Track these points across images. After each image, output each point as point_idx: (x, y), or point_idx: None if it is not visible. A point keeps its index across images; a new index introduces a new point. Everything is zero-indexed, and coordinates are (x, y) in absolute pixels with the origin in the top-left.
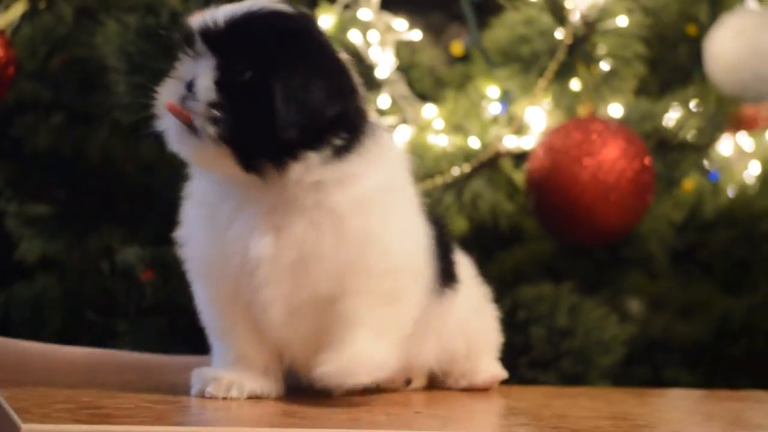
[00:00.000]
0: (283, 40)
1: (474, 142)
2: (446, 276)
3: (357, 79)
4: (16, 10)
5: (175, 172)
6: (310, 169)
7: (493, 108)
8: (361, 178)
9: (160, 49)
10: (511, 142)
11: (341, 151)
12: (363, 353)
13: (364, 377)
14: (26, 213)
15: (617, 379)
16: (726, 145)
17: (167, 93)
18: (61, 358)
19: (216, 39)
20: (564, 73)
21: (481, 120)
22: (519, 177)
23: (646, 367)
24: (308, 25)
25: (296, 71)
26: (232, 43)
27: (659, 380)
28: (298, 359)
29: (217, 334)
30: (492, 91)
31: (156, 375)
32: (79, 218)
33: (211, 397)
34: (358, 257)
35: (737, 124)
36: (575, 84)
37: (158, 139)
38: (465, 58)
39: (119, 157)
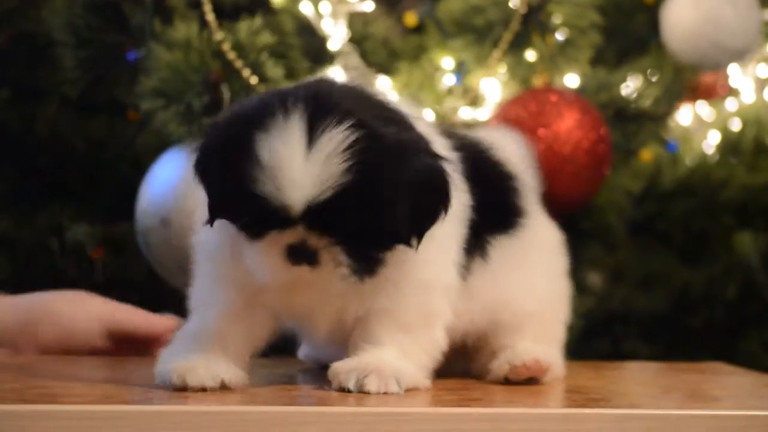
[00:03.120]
0: (370, 172)
1: (429, 114)
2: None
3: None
4: None
5: (124, 148)
6: None
7: (448, 79)
8: None
9: (109, 22)
10: (466, 114)
11: None
12: (377, 363)
13: (372, 386)
14: None
15: (575, 353)
16: (685, 115)
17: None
18: None
19: (322, 219)
20: (519, 43)
21: (436, 92)
22: None
23: (605, 339)
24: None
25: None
26: (339, 216)
27: (618, 353)
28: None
29: (203, 310)
30: (446, 62)
31: None
32: (27, 195)
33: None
34: (393, 277)
35: (696, 93)
36: (530, 54)
37: (107, 114)
38: (419, 29)
39: (68, 133)
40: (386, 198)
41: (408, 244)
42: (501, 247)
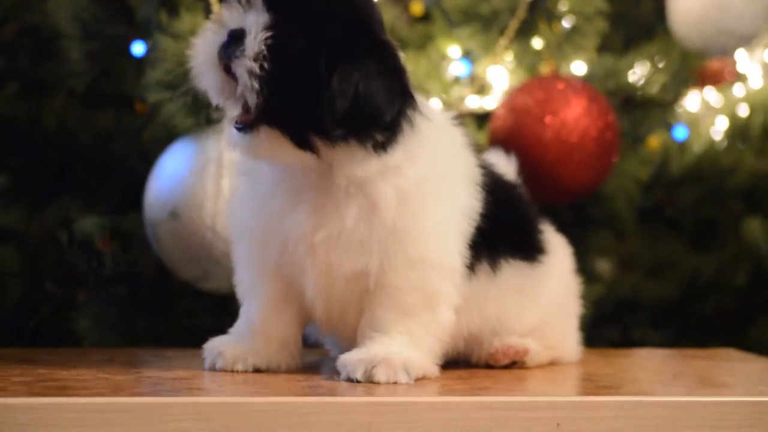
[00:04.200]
0: (347, 23)
1: (436, 103)
2: (532, 247)
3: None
4: None
5: (132, 140)
6: (353, 159)
7: (455, 68)
8: (400, 171)
9: (115, 14)
10: (473, 102)
11: (382, 146)
12: (385, 354)
13: (382, 376)
14: None
15: (586, 340)
16: (693, 101)
17: (207, 42)
18: None
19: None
20: (525, 31)
21: (443, 80)
22: (482, 137)
23: (615, 327)
24: (374, 15)
25: (359, 65)
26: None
27: (628, 340)
28: (335, 333)
29: (247, 295)
30: (453, 50)
31: None
32: (35, 188)
33: (220, 371)
34: (388, 248)
35: (703, 78)
36: (537, 42)
37: (115, 106)
38: (425, 18)
39: (75, 126)
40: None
41: (337, 116)
42: (515, 271)
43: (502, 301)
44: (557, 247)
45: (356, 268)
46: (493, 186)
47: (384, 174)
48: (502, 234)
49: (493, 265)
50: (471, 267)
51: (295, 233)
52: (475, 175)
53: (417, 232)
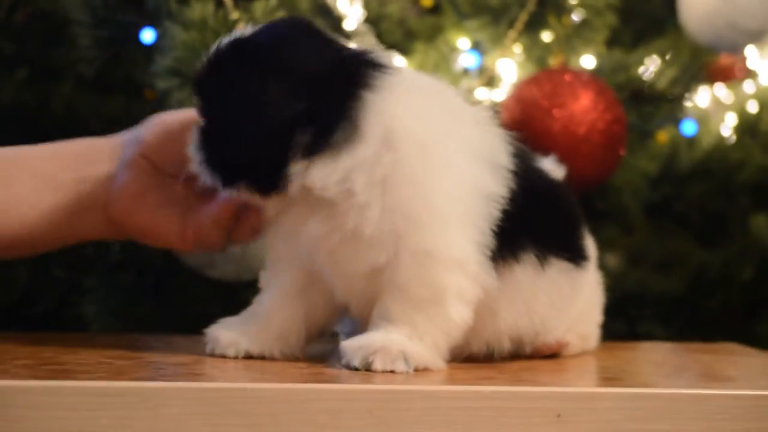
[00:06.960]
0: (213, 77)
1: None
2: (579, 249)
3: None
4: None
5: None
6: (305, 176)
7: (464, 60)
8: (377, 161)
9: (125, 1)
10: (482, 94)
11: (317, 148)
12: (384, 342)
13: (378, 365)
14: None
15: None
16: (702, 97)
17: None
18: None
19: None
20: (535, 24)
21: (452, 72)
22: None
23: (621, 321)
24: (242, 47)
25: (221, 104)
26: (197, 90)
27: (634, 334)
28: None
29: (265, 284)
30: (462, 42)
31: None
32: None
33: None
34: (394, 243)
35: (714, 75)
36: (546, 35)
37: (124, 93)
38: (435, 9)
39: (84, 112)
40: None
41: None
42: (563, 271)
43: (549, 300)
44: (589, 244)
45: (372, 265)
46: (530, 174)
47: (358, 170)
48: (549, 228)
49: (542, 258)
50: (514, 255)
51: (310, 240)
52: (497, 157)
53: (412, 218)
